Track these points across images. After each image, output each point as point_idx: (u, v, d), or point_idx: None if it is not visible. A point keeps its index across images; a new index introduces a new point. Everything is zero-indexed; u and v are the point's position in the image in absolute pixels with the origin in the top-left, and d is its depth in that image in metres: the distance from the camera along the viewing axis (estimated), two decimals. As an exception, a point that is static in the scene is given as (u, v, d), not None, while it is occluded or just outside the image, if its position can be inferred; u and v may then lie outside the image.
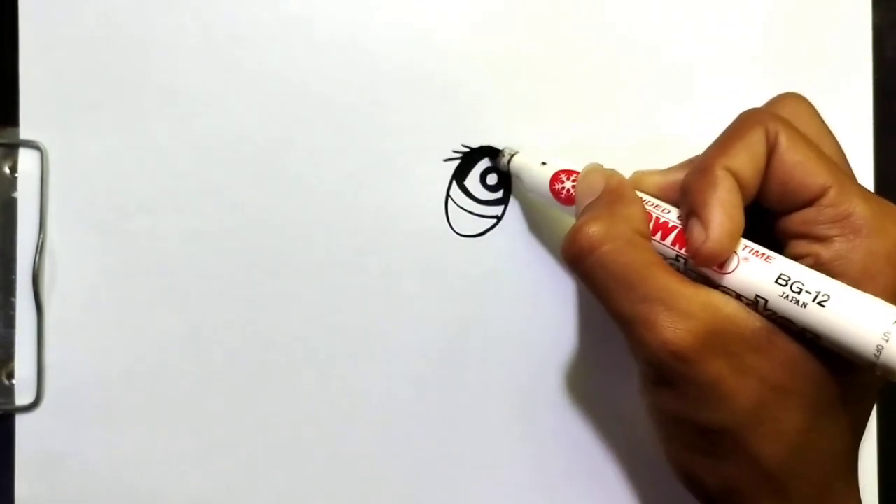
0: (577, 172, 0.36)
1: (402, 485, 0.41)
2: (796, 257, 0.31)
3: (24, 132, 0.40)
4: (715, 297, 0.30)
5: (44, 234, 0.40)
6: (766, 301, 0.30)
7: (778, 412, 0.30)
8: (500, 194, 0.41)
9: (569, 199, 0.36)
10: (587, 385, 0.41)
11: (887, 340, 0.28)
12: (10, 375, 0.40)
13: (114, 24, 0.40)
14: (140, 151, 0.40)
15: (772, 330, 0.30)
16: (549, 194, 0.37)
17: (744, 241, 0.31)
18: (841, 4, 0.41)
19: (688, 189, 0.32)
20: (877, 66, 0.42)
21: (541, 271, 0.41)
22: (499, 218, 0.41)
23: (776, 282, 0.30)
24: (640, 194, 0.34)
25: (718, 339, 0.30)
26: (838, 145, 0.34)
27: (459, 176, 0.41)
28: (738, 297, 0.31)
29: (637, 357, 0.32)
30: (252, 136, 0.40)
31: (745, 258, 0.31)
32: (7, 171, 0.40)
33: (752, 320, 0.30)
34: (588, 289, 0.32)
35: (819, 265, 0.30)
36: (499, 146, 0.40)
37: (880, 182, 0.42)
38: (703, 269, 0.31)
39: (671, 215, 0.33)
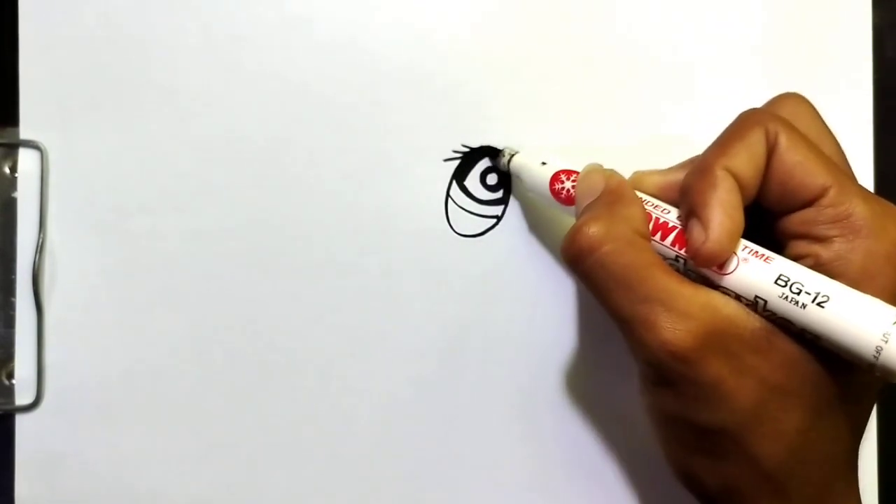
0: (576, 172, 0.36)
1: (402, 485, 0.41)
2: (796, 258, 0.31)
3: (24, 132, 0.40)
4: (714, 297, 0.30)
5: (44, 234, 0.40)
6: (766, 302, 0.30)
7: (777, 412, 0.30)
8: (500, 194, 0.41)
9: (569, 200, 0.36)
10: (587, 385, 0.41)
11: (886, 341, 0.28)
12: (10, 375, 0.40)
13: (114, 24, 0.40)
14: (140, 151, 0.40)
15: (771, 330, 0.30)
16: (549, 194, 0.37)
17: (743, 242, 0.31)
18: (841, 4, 0.41)
19: (687, 189, 0.32)
20: (877, 66, 0.42)
21: (541, 271, 0.41)
22: (499, 218, 0.41)
23: (776, 282, 0.30)
24: (639, 194, 0.34)
25: (718, 339, 0.30)
26: (838, 145, 0.34)
27: (459, 176, 0.41)
28: (738, 297, 0.31)
29: (636, 357, 0.32)
30: (252, 136, 0.40)
31: (745, 259, 0.31)
32: (7, 171, 0.40)
33: (752, 321, 0.30)
34: (588, 289, 0.32)
35: (819, 265, 0.30)
36: (499, 146, 0.40)
37: (880, 182, 0.41)
38: (702, 269, 0.31)
39: (671, 216, 0.33)
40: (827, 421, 0.31)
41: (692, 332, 0.29)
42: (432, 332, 0.41)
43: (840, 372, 0.30)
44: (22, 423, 0.40)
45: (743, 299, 0.31)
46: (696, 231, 0.31)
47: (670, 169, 0.35)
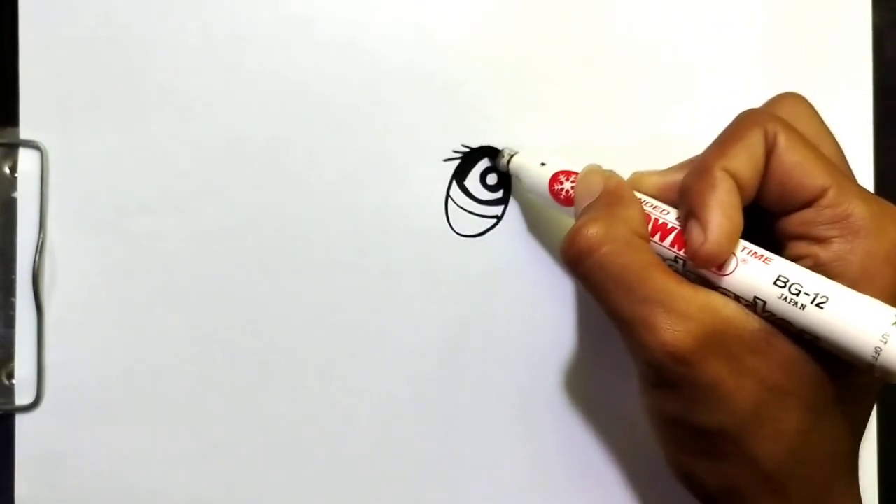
0: (576, 173, 0.36)
1: (402, 485, 0.41)
2: (795, 258, 0.31)
3: (24, 132, 0.40)
4: (714, 298, 0.30)
5: (44, 234, 0.40)
6: (765, 303, 0.30)
7: (777, 413, 0.30)
8: (500, 194, 0.41)
9: (568, 200, 0.36)
10: (587, 385, 0.41)
11: (885, 342, 0.28)
12: (10, 375, 0.40)
13: (114, 24, 0.40)
14: (140, 151, 0.40)
15: (770, 331, 0.30)
16: (549, 195, 0.37)
17: (742, 243, 0.31)
18: (841, 4, 0.41)
19: (686, 190, 0.32)
20: (877, 66, 0.41)
21: (541, 271, 0.41)
22: (499, 218, 0.41)
23: (775, 283, 0.30)
24: (638, 195, 0.34)
25: (717, 340, 0.30)
26: (838, 146, 0.34)
27: (459, 176, 0.41)
28: (737, 298, 0.31)
29: (636, 359, 0.32)
30: (252, 136, 0.40)
31: (744, 260, 0.31)
32: (7, 171, 0.40)
33: (751, 322, 0.30)
34: (587, 290, 0.32)
35: (818, 266, 0.30)
36: (499, 146, 0.40)
37: (880, 182, 0.41)
38: (701, 270, 0.31)
39: (670, 216, 0.33)
40: (827, 421, 0.31)
41: (691, 334, 0.29)
42: (432, 332, 0.41)
43: (839, 372, 0.30)
44: (22, 423, 0.40)
45: (742, 300, 0.30)
46: (695, 232, 0.31)
47: (669, 169, 0.35)
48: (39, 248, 0.40)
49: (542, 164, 0.37)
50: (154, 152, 0.40)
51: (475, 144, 0.40)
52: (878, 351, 0.28)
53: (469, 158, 0.40)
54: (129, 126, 0.40)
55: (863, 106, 0.41)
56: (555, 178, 0.36)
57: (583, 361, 0.41)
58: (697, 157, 0.33)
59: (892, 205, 0.31)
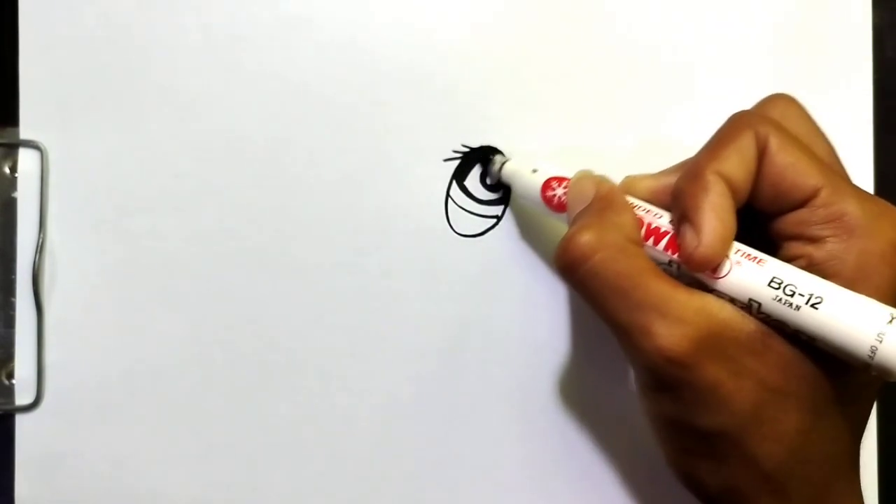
0: (567, 179, 0.36)
1: (402, 485, 0.41)
2: (790, 259, 0.31)
3: (24, 132, 0.40)
4: (709, 301, 0.30)
5: (44, 234, 0.40)
6: (760, 304, 0.30)
7: (776, 414, 0.30)
8: (500, 194, 0.41)
9: (560, 207, 0.36)
10: (587, 385, 0.41)
11: (881, 341, 0.28)
12: (10, 375, 0.40)
13: (114, 24, 0.40)
14: (140, 151, 0.40)
15: (767, 333, 0.30)
16: (541, 202, 0.36)
17: (736, 245, 0.31)
18: (841, 4, 0.41)
19: (679, 194, 0.32)
20: (877, 66, 0.41)
21: (541, 271, 0.41)
22: (499, 218, 0.41)
23: (769, 285, 0.30)
24: (631, 199, 0.34)
25: (714, 343, 0.30)
26: (830, 145, 0.34)
27: (459, 176, 0.41)
28: (732, 300, 0.31)
29: (634, 364, 0.32)
30: (252, 136, 0.40)
31: (738, 262, 0.31)
32: (7, 171, 0.40)
33: (747, 324, 0.30)
34: (582, 298, 0.32)
35: (812, 266, 0.30)
36: (499, 146, 0.40)
37: (880, 182, 0.41)
38: (695, 273, 0.31)
39: (663, 220, 0.33)
40: (826, 421, 0.31)
41: (688, 337, 0.29)
42: (432, 331, 0.41)
43: (838, 372, 0.30)
44: (22, 423, 0.40)
45: (737, 302, 0.30)
46: (689, 236, 0.31)
47: (662, 173, 0.35)
48: (39, 248, 0.40)
49: (534, 170, 0.37)
50: (154, 152, 0.40)
51: (475, 144, 0.40)
52: (873, 350, 0.28)
53: (469, 158, 0.41)
54: (129, 126, 0.40)
55: (863, 106, 0.41)
56: (547, 185, 0.36)
57: (583, 361, 0.41)
58: (690, 160, 0.33)
59: (887, 203, 0.31)
